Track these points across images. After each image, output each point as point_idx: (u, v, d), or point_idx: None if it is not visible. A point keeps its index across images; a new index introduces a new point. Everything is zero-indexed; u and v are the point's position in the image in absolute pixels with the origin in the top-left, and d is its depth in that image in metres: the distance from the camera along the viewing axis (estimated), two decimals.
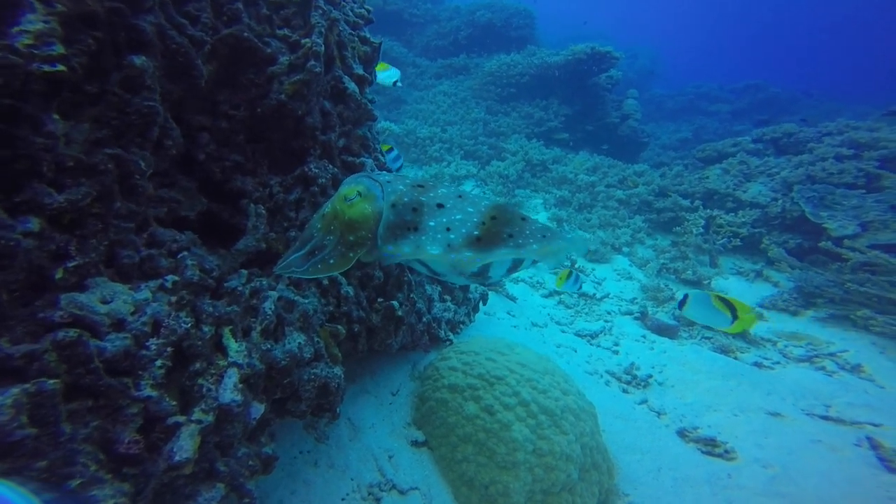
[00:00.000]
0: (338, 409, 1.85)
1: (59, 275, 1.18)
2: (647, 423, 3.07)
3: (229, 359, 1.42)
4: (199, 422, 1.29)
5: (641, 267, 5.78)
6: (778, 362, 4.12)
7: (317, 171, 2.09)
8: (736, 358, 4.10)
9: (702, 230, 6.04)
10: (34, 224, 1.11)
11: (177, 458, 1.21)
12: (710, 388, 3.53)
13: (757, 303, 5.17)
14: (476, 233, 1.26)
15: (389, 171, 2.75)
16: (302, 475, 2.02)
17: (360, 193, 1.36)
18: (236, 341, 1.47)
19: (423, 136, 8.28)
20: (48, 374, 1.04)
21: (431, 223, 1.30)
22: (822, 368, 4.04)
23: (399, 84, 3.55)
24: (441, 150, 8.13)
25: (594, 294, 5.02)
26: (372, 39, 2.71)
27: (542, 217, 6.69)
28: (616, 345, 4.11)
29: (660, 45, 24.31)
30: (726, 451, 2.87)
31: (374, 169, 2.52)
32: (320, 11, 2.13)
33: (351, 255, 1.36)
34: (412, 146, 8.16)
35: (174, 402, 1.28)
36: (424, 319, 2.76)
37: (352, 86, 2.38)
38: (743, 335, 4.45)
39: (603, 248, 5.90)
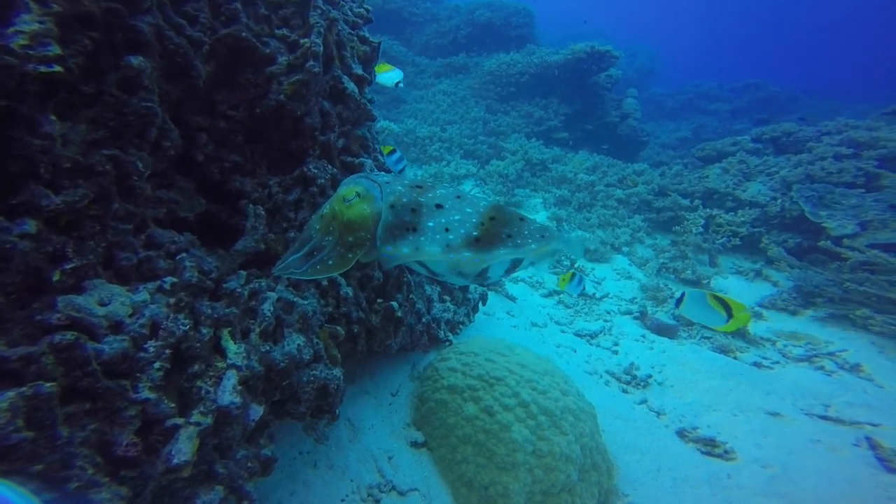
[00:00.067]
0: (337, 411, 1.84)
1: (56, 277, 1.17)
2: (646, 424, 3.07)
3: (228, 361, 1.42)
4: (197, 424, 1.28)
5: (641, 266, 5.78)
6: (777, 362, 4.12)
7: (316, 171, 2.09)
8: (735, 358, 4.10)
9: (701, 229, 6.04)
10: (31, 226, 1.10)
11: (175, 460, 1.20)
12: (710, 388, 3.53)
13: (756, 302, 5.18)
14: (475, 233, 1.26)
15: (389, 171, 2.74)
16: (301, 476, 2.02)
17: (358, 194, 1.36)
18: (235, 343, 1.46)
19: (423, 135, 8.27)
20: (45, 377, 1.04)
21: (430, 224, 1.30)
22: (822, 368, 4.05)
23: (401, 85, 3.53)
24: (440, 150, 8.12)
25: (594, 294, 5.02)
26: (371, 39, 2.70)
27: (541, 216, 6.69)
28: (615, 345, 4.11)
29: (659, 43, 24.32)
30: (726, 452, 2.87)
31: (374, 169, 2.51)
32: (319, 11, 2.12)
33: (350, 256, 1.36)
34: (412, 145, 8.15)
35: (172, 405, 1.27)
36: (424, 320, 2.76)
37: (351, 86, 2.37)
38: (742, 335, 4.45)
39: (602, 248, 5.90)
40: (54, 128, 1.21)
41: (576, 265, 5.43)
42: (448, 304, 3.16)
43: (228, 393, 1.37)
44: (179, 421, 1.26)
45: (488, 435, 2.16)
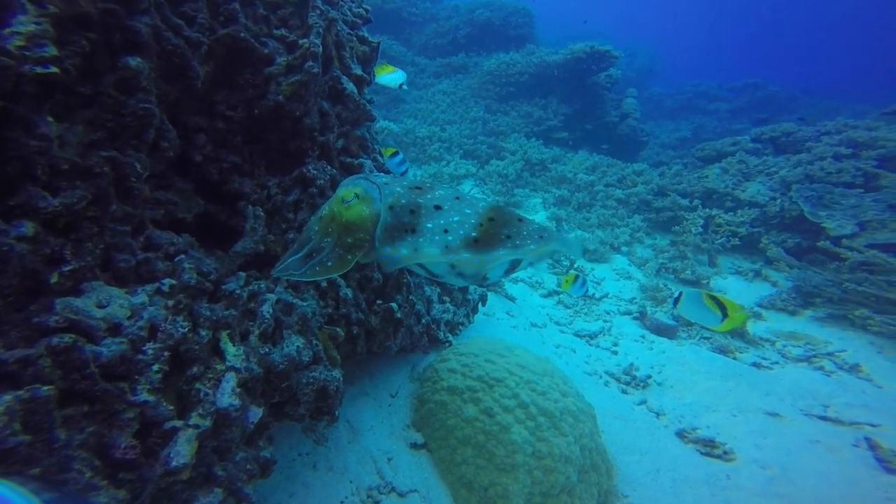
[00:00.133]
0: (336, 412, 1.84)
1: (54, 279, 1.16)
2: (646, 424, 3.07)
3: (227, 363, 1.41)
4: (196, 426, 1.28)
5: (640, 266, 5.78)
6: (776, 362, 4.12)
7: (315, 172, 2.08)
8: (735, 358, 4.10)
9: (701, 229, 6.04)
10: (28, 228, 1.10)
11: (174, 463, 1.20)
12: (709, 389, 3.54)
13: (756, 302, 5.18)
14: (474, 234, 1.26)
15: (388, 172, 2.74)
16: (300, 478, 2.01)
17: (357, 195, 1.35)
18: (234, 345, 1.46)
19: (422, 135, 8.26)
20: (43, 380, 1.03)
21: (429, 225, 1.30)
22: (821, 368, 4.05)
23: (405, 87, 3.51)
24: (440, 150, 8.11)
25: (593, 294, 5.01)
26: (370, 39, 2.69)
27: (541, 216, 6.69)
28: (615, 345, 4.11)
29: (659, 43, 24.32)
30: (725, 452, 2.87)
31: (373, 170, 2.51)
32: (318, 11, 2.11)
33: (349, 257, 1.35)
34: (411, 145, 8.15)
35: (171, 407, 1.27)
36: (423, 321, 2.75)
37: (350, 86, 2.36)
38: (742, 335, 4.46)
39: (602, 248, 5.90)
40: (51, 129, 1.20)
41: (575, 265, 5.43)
42: (448, 304, 3.16)
43: (227, 395, 1.37)
44: (178, 423, 1.25)
45: (488, 436, 2.16)
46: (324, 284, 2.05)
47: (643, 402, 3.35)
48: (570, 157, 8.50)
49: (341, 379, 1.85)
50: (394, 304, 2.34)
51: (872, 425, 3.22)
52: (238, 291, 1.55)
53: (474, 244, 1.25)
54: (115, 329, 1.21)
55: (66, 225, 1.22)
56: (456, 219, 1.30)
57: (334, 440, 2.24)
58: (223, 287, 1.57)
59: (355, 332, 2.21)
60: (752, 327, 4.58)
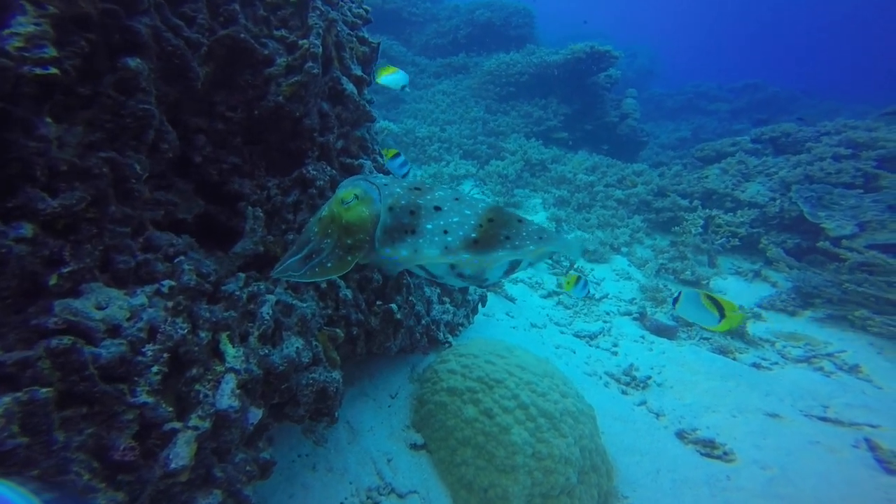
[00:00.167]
0: (336, 413, 1.84)
1: (52, 281, 1.16)
2: (645, 425, 3.07)
3: (226, 364, 1.41)
4: (195, 428, 1.27)
5: (640, 267, 5.78)
6: (776, 363, 4.12)
7: (315, 172, 2.08)
8: (734, 358, 4.10)
9: (700, 230, 6.04)
10: (27, 230, 1.10)
11: (173, 465, 1.20)
12: (709, 389, 3.53)
13: (755, 303, 5.18)
14: (473, 235, 1.26)
15: (388, 172, 2.73)
16: (300, 479, 2.01)
17: (357, 196, 1.35)
18: (234, 346, 1.45)
19: (422, 135, 8.26)
20: (41, 382, 1.03)
21: (429, 226, 1.30)
22: (820, 369, 4.05)
23: (407, 89, 3.50)
24: (440, 150, 8.11)
25: (593, 294, 5.01)
26: (370, 40, 2.69)
27: (540, 217, 6.68)
28: (615, 346, 4.11)
29: (659, 43, 24.32)
30: (725, 453, 2.87)
31: (373, 171, 2.51)
32: (318, 12, 2.11)
33: (349, 258, 1.35)
34: (411, 145, 8.14)
35: (170, 409, 1.26)
36: (423, 322, 2.75)
37: (350, 87, 2.36)
38: (741, 335, 4.46)
39: (602, 249, 5.90)
40: (50, 130, 1.20)
41: (575, 266, 5.42)
42: (447, 305, 3.16)
43: (227, 397, 1.36)
44: (177, 425, 1.25)
45: (488, 437, 2.16)
46: (323, 285, 2.04)
47: (643, 403, 3.35)
48: (569, 157, 8.50)
49: (341, 380, 1.85)
50: (393, 305, 2.34)
51: (872, 426, 3.22)
52: (237, 293, 1.55)
53: (474, 245, 1.25)
54: (114, 330, 1.21)
55: (65, 226, 1.21)
56: (455, 220, 1.30)
57: (334, 441, 2.24)
58: (223, 288, 1.57)
59: (355, 333, 2.21)
60: (752, 328, 4.59)
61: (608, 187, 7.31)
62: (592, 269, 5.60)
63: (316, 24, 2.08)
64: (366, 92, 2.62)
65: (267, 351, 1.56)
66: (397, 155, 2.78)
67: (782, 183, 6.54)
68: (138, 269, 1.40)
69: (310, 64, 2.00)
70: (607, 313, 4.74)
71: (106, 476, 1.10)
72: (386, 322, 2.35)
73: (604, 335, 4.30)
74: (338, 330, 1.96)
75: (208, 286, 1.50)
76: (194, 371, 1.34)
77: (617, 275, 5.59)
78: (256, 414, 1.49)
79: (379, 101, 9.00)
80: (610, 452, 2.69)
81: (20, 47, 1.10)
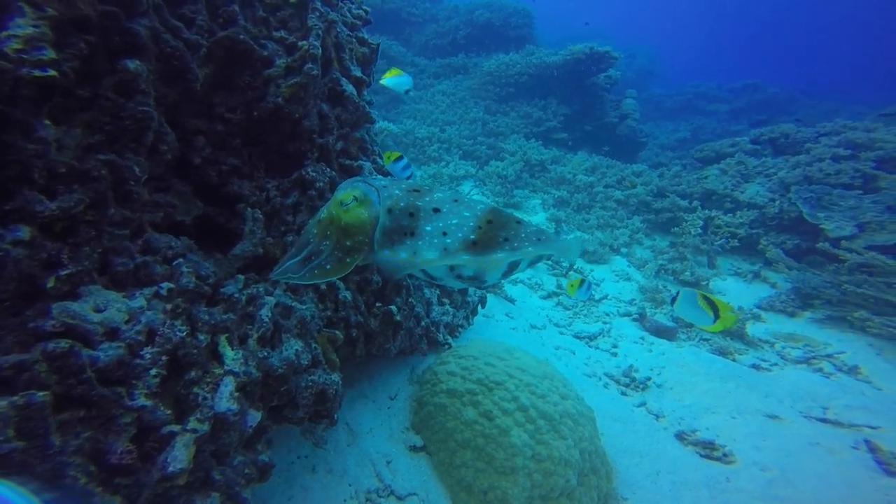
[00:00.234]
0: (335, 416, 1.83)
1: (50, 283, 1.16)
2: (645, 426, 3.07)
3: (225, 367, 1.41)
4: (194, 431, 1.27)
5: (640, 268, 5.78)
6: (776, 364, 4.12)
7: (314, 174, 2.07)
8: (734, 360, 4.10)
9: (700, 231, 6.04)
10: (25, 233, 1.09)
11: (171, 468, 1.19)
12: (709, 391, 3.53)
13: (755, 304, 5.18)
14: (472, 237, 1.26)
15: (387, 174, 2.73)
16: (299, 481, 2.01)
17: (356, 198, 1.35)
18: (232, 349, 1.45)
19: (422, 136, 8.26)
20: (38, 385, 1.03)
21: (428, 228, 1.30)
22: (820, 370, 4.05)
23: (411, 93, 3.51)
24: (440, 151, 8.11)
25: (592, 295, 5.01)
26: (370, 41, 2.69)
27: (540, 218, 6.68)
28: (614, 347, 4.10)
29: (658, 44, 24.34)
30: (725, 455, 2.87)
31: (373, 172, 2.51)
32: (317, 13, 2.11)
33: (348, 260, 1.35)
34: (410, 146, 8.14)
35: (169, 411, 1.26)
36: (423, 323, 2.75)
37: (349, 88, 2.36)
38: (741, 336, 4.46)
39: (601, 249, 5.90)
40: (49, 132, 1.20)
41: (574, 267, 5.42)
42: (447, 307, 3.16)
43: (226, 399, 1.36)
44: (176, 428, 1.25)
45: (487, 439, 2.15)
46: (323, 287, 2.04)
47: (643, 404, 3.35)
48: (569, 158, 8.51)
49: (340, 382, 1.84)
50: (393, 307, 2.34)
51: (872, 427, 3.22)
52: (237, 295, 1.55)
53: (473, 247, 1.26)
54: (112, 333, 1.21)
55: (63, 229, 1.21)
56: (454, 221, 1.30)
57: (333, 443, 2.23)
58: (222, 290, 1.56)
59: (354, 334, 2.20)
60: (751, 329, 4.59)
61: (608, 188, 7.31)
62: (592, 270, 5.60)
63: (315, 25, 2.08)
64: (365, 93, 2.62)
65: (266, 353, 1.56)
66: (400, 158, 2.77)
67: (781, 184, 6.55)
68: (137, 272, 1.39)
69: (309, 65, 1.99)
70: (607, 314, 4.74)
71: (103, 480, 1.09)
72: (385, 324, 2.35)
73: (603, 336, 4.29)
74: (337, 332, 1.96)
75: (207, 288, 1.50)
76: (193, 374, 1.34)
77: (616, 276, 5.59)
78: (255, 416, 1.48)
79: (378, 101, 9.00)
80: (609, 454, 2.69)
81: (19, 49, 1.10)
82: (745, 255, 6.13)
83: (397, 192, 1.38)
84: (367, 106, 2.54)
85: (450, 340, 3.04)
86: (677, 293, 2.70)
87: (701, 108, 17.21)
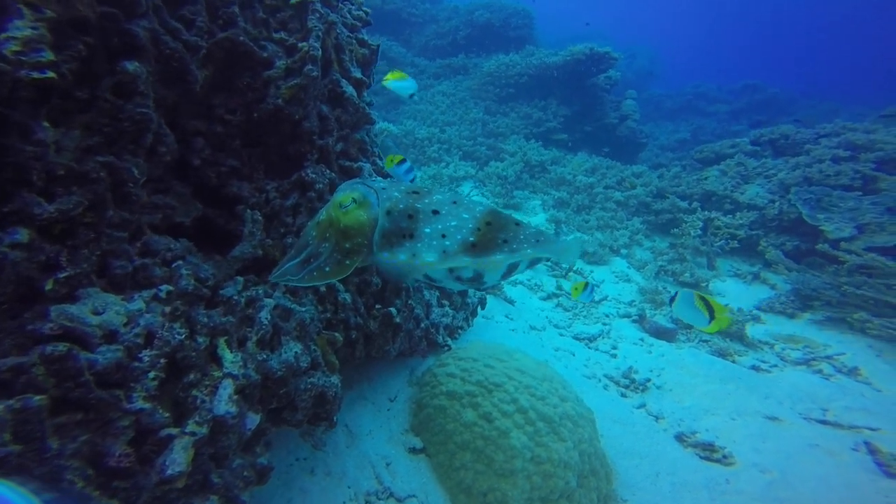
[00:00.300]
0: (335, 418, 1.83)
1: (48, 286, 1.15)
2: (645, 428, 3.07)
3: (224, 370, 1.40)
4: (192, 434, 1.27)
5: (639, 269, 5.78)
6: (775, 365, 4.12)
7: (314, 176, 2.07)
8: (733, 361, 4.10)
9: (699, 232, 6.04)
10: (23, 235, 1.09)
11: (169, 471, 1.19)
12: (708, 392, 3.53)
13: (754, 305, 5.18)
14: (471, 239, 1.27)
15: (387, 175, 2.73)
16: (298, 483, 2.00)
17: (355, 200, 1.35)
18: (231, 352, 1.45)
19: (422, 136, 8.26)
20: (36, 388, 1.02)
21: (427, 230, 1.30)
22: (819, 372, 4.05)
23: (415, 98, 3.51)
24: (439, 151, 8.11)
25: (594, 297, 5.01)
26: (370, 42, 2.68)
27: (540, 218, 6.68)
28: (614, 348, 4.10)
29: (658, 44, 24.34)
30: (724, 456, 2.87)
31: (372, 173, 2.50)
32: (317, 15, 2.11)
33: (347, 262, 1.35)
34: (410, 147, 8.14)
35: (167, 414, 1.26)
36: (422, 325, 2.75)
37: (349, 89, 2.35)
38: (741, 338, 4.46)
39: (601, 250, 5.89)
40: (47, 134, 1.19)
41: (574, 268, 5.42)
42: (447, 308, 3.15)
43: (224, 402, 1.36)
44: (174, 431, 1.24)
45: (487, 441, 2.15)
46: (322, 289, 2.04)
47: (642, 406, 3.34)
48: (569, 158, 8.51)
49: (339, 384, 1.84)
50: (393, 309, 2.34)
51: (872, 429, 3.22)
52: (236, 297, 1.54)
53: (472, 249, 1.26)
54: (110, 336, 1.20)
55: (61, 231, 1.21)
56: (454, 223, 1.30)
57: (332, 444, 2.23)
58: (221, 292, 1.56)
59: (354, 336, 2.20)
60: (751, 330, 4.58)
61: (607, 189, 7.31)
62: (592, 272, 5.60)
63: (315, 26, 2.08)
64: (365, 94, 2.62)
65: (265, 356, 1.56)
66: (403, 161, 2.77)
67: (781, 185, 6.55)
68: (136, 274, 1.39)
69: (309, 67, 1.99)
70: (606, 315, 4.74)
71: (100, 483, 1.09)
72: (385, 326, 2.35)
73: (603, 337, 4.29)
74: (336, 334, 1.95)
75: (206, 291, 1.49)
76: (192, 376, 1.34)
77: (616, 277, 5.59)
78: (254, 419, 1.48)
79: (378, 102, 9.00)
80: (609, 455, 2.68)
81: (17, 51, 1.09)
82: (744, 256, 6.13)
83: (396, 194, 1.37)
84: (366, 107, 2.54)
85: (449, 342, 3.04)
86: (676, 293, 2.71)
87: (701, 108, 17.22)
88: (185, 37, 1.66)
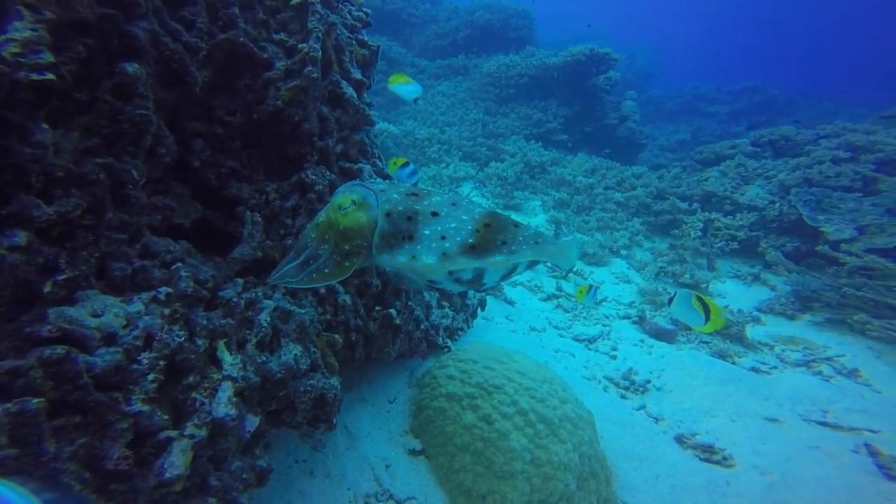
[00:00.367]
0: (334, 420, 1.83)
1: (47, 288, 1.15)
2: (645, 430, 3.06)
3: (224, 372, 1.40)
4: (191, 437, 1.26)
5: (639, 270, 5.77)
6: (775, 367, 4.12)
7: (314, 177, 2.07)
8: (733, 363, 4.09)
9: (700, 233, 6.04)
10: (21, 238, 1.08)
11: (167, 474, 1.18)
12: (708, 394, 3.53)
13: (754, 306, 5.18)
14: (471, 240, 1.27)
15: (387, 177, 2.73)
16: (297, 485, 2.00)
17: (354, 202, 1.35)
18: (231, 354, 1.44)
19: (422, 137, 8.25)
20: (34, 391, 1.02)
21: (426, 232, 1.30)
22: (819, 373, 4.05)
23: (419, 102, 3.51)
24: (440, 152, 8.10)
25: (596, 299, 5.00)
26: (370, 43, 2.68)
27: (540, 219, 6.68)
28: (614, 349, 4.10)
29: (658, 45, 24.35)
30: (724, 458, 2.86)
31: (372, 175, 2.50)
32: (317, 16, 2.10)
33: (346, 264, 1.35)
34: (410, 147, 8.14)
35: (166, 417, 1.25)
36: (422, 327, 2.74)
37: (349, 90, 2.35)
38: (740, 339, 4.45)
39: (601, 251, 5.89)
40: (46, 136, 1.19)
41: (574, 269, 5.41)
42: (447, 310, 3.15)
43: (223, 405, 1.35)
44: (173, 433, 1.24)
45: (486, 443, 2.15)
46: (322, 290, 2.03)
47: (642, 408, 3.34)
48: (569, 159, 8.51)
49: (339, 386, 1.84)
50: (392, 311, 2.33)
51: (872, 431, 3.22)
52: (235, 299, 1.54)
53: (471, 250, 1.26)
54: (109, 338, 1.20)
55: (60, 233, 1.20)
56: (453, 225, 1.30)
57: (332, 446, 2.22)
58: (220, 294, 1.55)
59: (354, 338, 2.20)
60: (751, 332, 4.58)
61: (607, 190, 7.31)
62: (592, 272, 5.59)
63: (315, 27, 2.07)
64: (365, 95, 2.61)
65: (265, 358, 1.55)
66: (406, 164, 2.77)
67: (781, 186, 6.55)
68: (135, 276, 1.39)
69: (309, 68, 1.99)
70: (606, 317, 4.73)
71: (98, 486, 1.08)
72: (385, 327, 2.34)
73: (603, 339, 4.29)
74: (336, 336, 1.95)
75: (205, 293, 1.49)
76: (191, 379, 1.33)
77: (616, 278, 5.59)
78: (253, 421, 1.47)
79: (378, 102, 8.99)
80: (609, 457, 2.68)
81: (16, 53, 1.09)
82: (744, 257, 6.13)
83: (396, 195, 1.37)
84: (366, 108, 2.54)
85: (449, 344, 3.04)
86: (675, 294, 2.72)
87: (701, 109, 17.23)
88: (185, 38, 1.65)
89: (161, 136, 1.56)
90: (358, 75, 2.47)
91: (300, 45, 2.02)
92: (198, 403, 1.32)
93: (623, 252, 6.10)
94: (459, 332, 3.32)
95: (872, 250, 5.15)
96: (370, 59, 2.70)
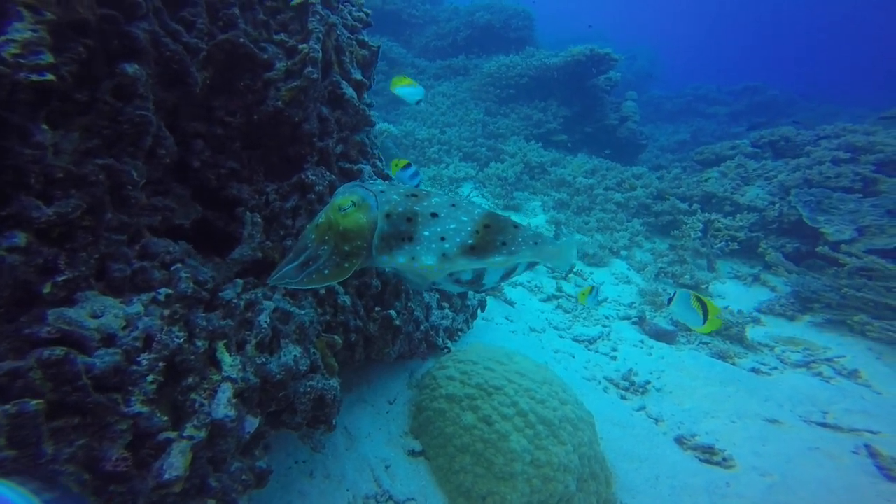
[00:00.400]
0: (334, 421, 1.82)
1: (46, 289, 1.15)
2: (645, 431, 3.06)
3: (223, 373, 1.40)
4: (190, 438, 1.26)
5: (639, 271, 5.77)
6: (775, 368, 4.12)
7: (314, 178, 2.07)
8: (733, 363, 4.09)
9: (700, 234, 6.04)
10: (21, 239, 1.08)
11: (167, 475, 1.18)
12: (708, 395, 3.53)
13: (754, 307, 5.18)
14: (470, 241, 1.27)
15: (387, 177, 2.72)
16: (297, 486, 2.00)
17: (354, 203, 1.35)
18: (230, 355, 1.44)
19: (422, 137, 8.25)
20: (33, 392, 1.02)
21: (426, 233, 1.30)
22: (819, 374, 4.04)
23: (422, 104, 3.51)
24: (440, 152, 8.10)
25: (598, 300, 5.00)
26: (370, 43, 2.68)
27: (540, 220, 6.68)
28: (614, 350, 4.10)
29: (658, 46, 24.35)
30: (724, 459, 2.86)
31: (372, 175, 2.50)
32: (318, 16, 2.10)
33: (346, 265, 1.35)
34: (411, 147, 8.14)
35: (165, 418, 1.25)
36: (422, 328, 2.74)
37: (350, 91, 2.35)
38: (741, 340, 4.45)
39: (601, 252, 5.89)
40: (46, 137, 1.19)
41: (574, 269, 5.41)
42: (447, 310, 3.15)
43: (223, 406, 1.35)
44: (172, 435, 1.24)
45: (486, 444, 2.15)
46: (322, 291, 2.03)
47: (642, 408, 3.34)
48: (569, 160, 8.51)
49: (339, 387, 1.83)
50: (392, 311, 2.33)
51: (872, 432, 3.21)
52: (235, 300, 1.54)
53: (471, 251, 1.26)
54: (109, 340, 1.20)
55: (60, 234, 1.20)
56: (452, 226, 1.31)
57: (331, 447, 2.22)
58: (220, 295, 1.55)
59: (353, 339, 2.20)
60: (751, 332, 4.58)
61: (608, 190, 7.31)
62: (592, 273, 5.59)
63: (316, 28, 2.07)
64: (365, 96, 2.61)
65: (264, 359, 1.55)
66: (408, 166, 2.76)
67: (781, 187, 6.55)
68: (134, 277, 1.38)
69: (309, 69, 1.99)
70: (606, 317, 4.73)
71: (97, 487, 1.08)
72: (385, 328, 2.34)
73: (603, 339, 4.29)
74: (336, 336, 1.95)
75: (205, 294, 1.49)
76: (190, 380, 1.33)
77: (616, 278, 5.59)
78: (253, 423, 1.47)
79: (378, 102, 8.99)
80: (609, 458, 2.68)
81: (16, 54, 1.09)
82: (744, 258, 6.12)
83: (395, 196, 1.37)
84: (367, 109, 2.54)
85: (449, 344, 3.03)
86: (674, 293, 2.72)
87: (701, 110, 17.23)
88: (186, 39, 1.65)
89: (161, 137, 1.56)
90: (358, 76, 2.47)
91: (300, 46, 2.02)
92: (197, 405, 1.32)
93: (623, 253, 6.10)
94: (459, 333, 3.32)
95: (872, 251, 5.15)
96: (370, 59, 2.70)
